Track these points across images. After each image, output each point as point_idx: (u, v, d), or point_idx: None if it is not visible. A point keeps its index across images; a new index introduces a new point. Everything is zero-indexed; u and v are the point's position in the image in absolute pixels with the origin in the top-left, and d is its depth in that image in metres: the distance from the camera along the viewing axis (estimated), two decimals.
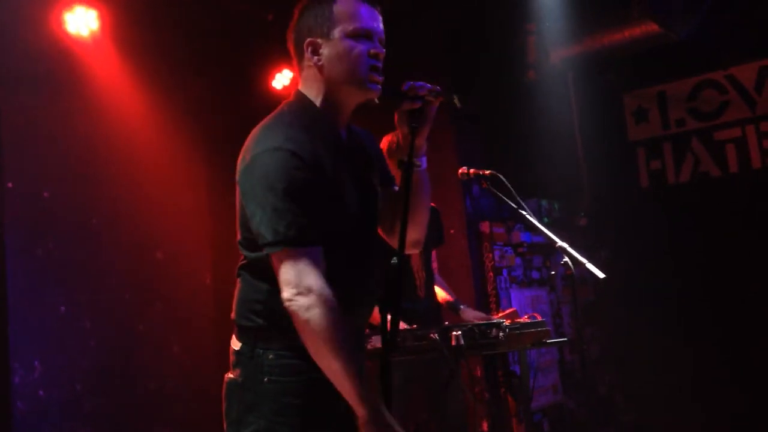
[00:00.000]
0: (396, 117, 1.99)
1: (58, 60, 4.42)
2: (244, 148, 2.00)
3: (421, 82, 1.97)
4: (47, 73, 4.38)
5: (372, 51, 1.99)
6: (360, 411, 1.82)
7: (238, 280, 2.07)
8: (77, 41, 4.44)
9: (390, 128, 3.76)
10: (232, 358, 2.03)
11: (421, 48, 5.34)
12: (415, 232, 2.12)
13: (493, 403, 4.97)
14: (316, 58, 2.00)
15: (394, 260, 1.84)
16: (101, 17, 4.49)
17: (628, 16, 5.63)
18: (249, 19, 5.03)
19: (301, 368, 1.93)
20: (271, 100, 5.17)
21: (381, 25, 2.06)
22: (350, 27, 1.98)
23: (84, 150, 4.55)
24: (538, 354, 5.25)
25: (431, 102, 1.96)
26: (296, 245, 1.85)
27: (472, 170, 3.65)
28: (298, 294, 1.83)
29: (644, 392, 6.10)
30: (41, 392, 4.12)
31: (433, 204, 4.13)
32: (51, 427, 4.15)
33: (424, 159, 2.09)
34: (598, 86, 6.54)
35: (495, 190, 3.56)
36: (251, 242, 1.96)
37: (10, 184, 4.13)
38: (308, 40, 2.01)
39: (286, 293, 1.85)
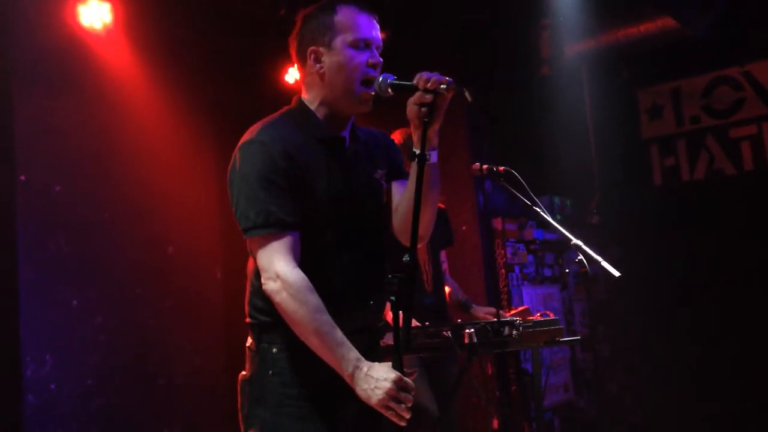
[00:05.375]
0: (407, 109, 1.96)
1: (72, 53, 4.40)
2: None
3: (433, 73, 1.94)
4: (60, 66, 4.36)
5: (370, 61, 2.07)
6: (345, 378, 1.91)
7: (247, 280, 2.16)
8: (90, 34, 4.43)
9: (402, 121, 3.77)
10: (246, 356, 2.12)
11: (435, 43, 5.31)
12: (421, 227, 2.08)
13: (504, 401, 4.95)
14: (318, 65, 2.09)
15: (406, 257, 1.81)
16: (114, 10, 4.47)
17: (644, 11, 5.57)
18: (262, 14, 5.00)
19: (301, 361, 1.99)
20: (284, 94, 5.15)
21: (379, 34, 2.14)
22: (351, 37, 2.07)
23: (96, 143, 4.54)
24: (550, 352, 5.22)
25: (443, 94, 1.92)
26: (266, 230, 1.96)
27: (485, 166, 3.63)
28: (269, 279, 1.95)
29: (653, 392, 6.06)
30: (52, 386, 4.12)
31: (441, 205, 4.12)
32: (61, 421, 4.15)
33: (435, 153, 2.05)
34: (612, 82, 6.49)
35: (509, 187, 3.54)
36: None
37: (22, 177, 4.12)
38: (311, 48, 2.10)
39: (262, 278, 1.97)
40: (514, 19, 5.67)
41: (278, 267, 1.93)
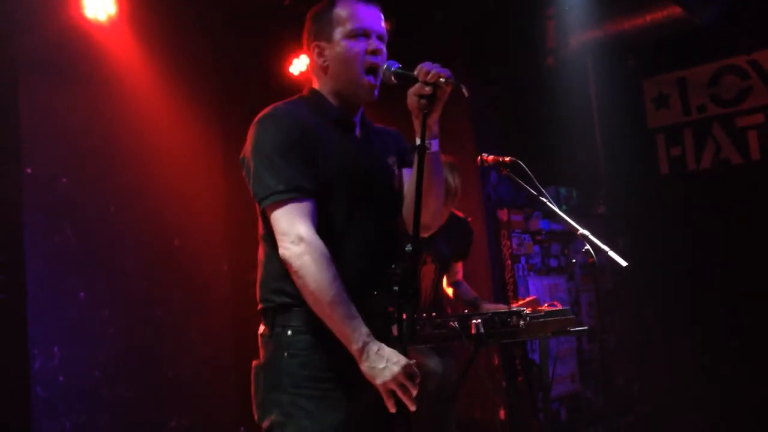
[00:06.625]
0: (408, 100, 2.03)
1: (76, 45, 4.41)
2: None
3: (434, 65, 2.00)
4: (65, 59, 4.37)
5: (369, 48, 2.12)
6: (353, 352, 1.91)
7: (258, 267, 2.16)
8: (95, 25, 4.42)
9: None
10: (259, 343, 2.12)
11: (441, 34, 5.29)
12: (426, 216, 2.10)
13: (511, 391, 4.95)
14: (321, 59, 2.18)
15: (409, 247, 1.84)
16: (119, 1, 4.47)
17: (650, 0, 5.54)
18: (266, 4, 4.99)
19: (318, 343, 2.00)
20: (289, 85, 5.14)
21: (380, 24, 2.19)
22: (348, 27, 2.13)
23: (102, 135, 4.55)
24: (557, 343, 5.22)
25: (442, 87, 1.98)
26: (287, 195, 1.98)
27: (491, 157, 3.62)
28: (291, 242, 1.95)
29: (660, 382, 6.05)
30: (60, 378, 4.14)
31: (469, 219, 4.12)
32: (69, 413, 4.17)
33: (436, 142, 2.09)
34: (618, 72, 6.46)
35: (515, 177, 3.53)
36: (264, 219, 2.08)
37: (28, 170, 4.13)
38: (314, 43, 2.19)
39: (280, 243, 1.97)
40: (519, 9, 5.64)
41: (301, 230, 1.95)
